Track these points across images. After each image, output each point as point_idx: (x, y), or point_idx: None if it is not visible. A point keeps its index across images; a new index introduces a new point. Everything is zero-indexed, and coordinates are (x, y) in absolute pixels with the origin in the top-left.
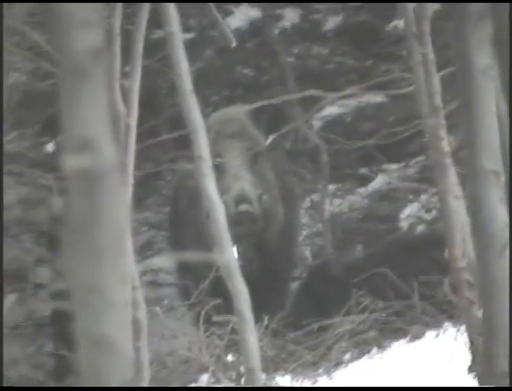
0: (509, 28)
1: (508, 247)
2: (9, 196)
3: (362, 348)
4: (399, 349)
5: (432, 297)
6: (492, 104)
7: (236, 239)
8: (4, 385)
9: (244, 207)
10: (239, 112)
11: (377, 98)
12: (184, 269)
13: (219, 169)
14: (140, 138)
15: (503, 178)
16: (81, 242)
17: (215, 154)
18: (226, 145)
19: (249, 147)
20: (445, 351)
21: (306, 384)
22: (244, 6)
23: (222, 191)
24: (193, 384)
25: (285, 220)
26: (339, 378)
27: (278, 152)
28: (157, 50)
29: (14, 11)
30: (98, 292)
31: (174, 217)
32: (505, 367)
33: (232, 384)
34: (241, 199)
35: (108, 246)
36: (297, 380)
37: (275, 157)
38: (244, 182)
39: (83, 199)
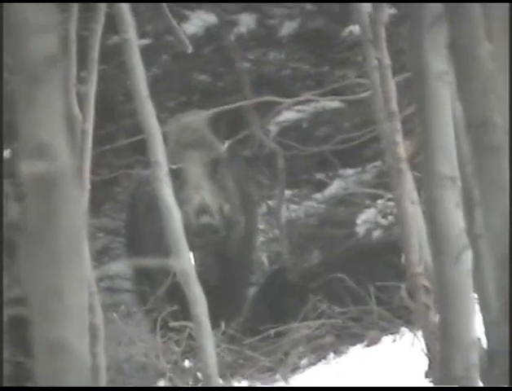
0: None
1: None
2: None
3: (319, 353)
4: (356, 354)
5: (389, 303)
6: (447, 109)
7: (196, 249)
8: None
9: (205, 219)
10: (197, 120)
11: (333, 103)
12: (141, 275)
13: (179, 179)
14: (96, 143)
15: (459, 183)
16: (37, 247)
17: (175, 163)
18: (185, 154)
19: (209, 156)
20: (402, 356)
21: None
22: (200, 12)
23: (183, 202)
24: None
25: (243, 226)
26: (296, 383)
27: (237, 160)
28: (113, 55)
29: None
30: (55, 297)
31: (131, 223)
32: (461, 372)
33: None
34: (202, 210)
35: (64, 251)
36: (254, 386)
37: (234, 165)
38: (205, 193)
39: (39, 204)
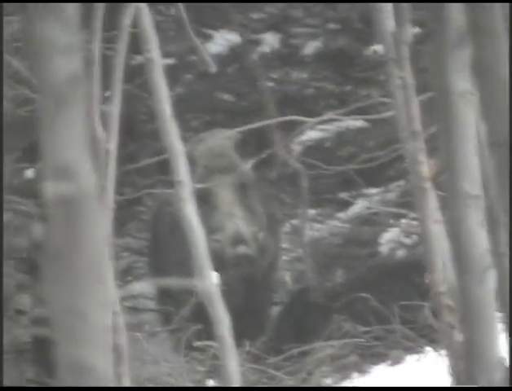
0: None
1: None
2: None
3: (343, 372)
4: (380, 373)
5: (413, 322)
6: (471, 128)
7: (231, 280)
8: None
9: (241, 249)
10: (223, 143)
11: (356, 122)
12: (165, 294)
13: (209, 205)
14: (120, 163)
15: (482, 202)
16: (61, 268)
17: (205, 190)
18: (214, 179)
19: (238, 180)
20: (426, 375)
21: None
22: (223, 31)
23: (215, 230)
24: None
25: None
26: None
27: (261, 180)
28: (137, 75)
29: None
30: (78, 318)
31: (154, 243)
32: None
33: None
34: (237, 240)
35: (87, 272)
36: None
37: (260, 187)
38: (239, 221)
39: (63, 225)
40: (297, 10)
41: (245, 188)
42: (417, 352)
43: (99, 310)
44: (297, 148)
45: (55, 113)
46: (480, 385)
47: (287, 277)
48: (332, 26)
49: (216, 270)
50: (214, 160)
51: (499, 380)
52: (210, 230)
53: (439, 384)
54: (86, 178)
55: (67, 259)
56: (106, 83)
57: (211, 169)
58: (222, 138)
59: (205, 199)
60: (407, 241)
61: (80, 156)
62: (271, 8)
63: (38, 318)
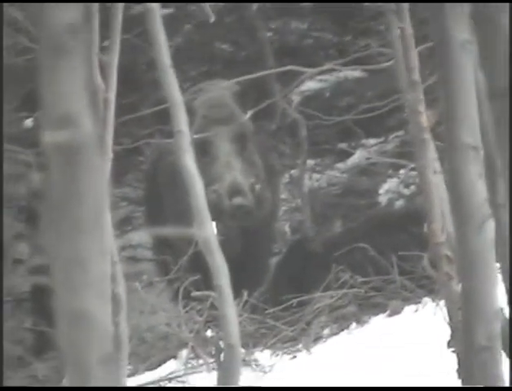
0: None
1: (487, 221)
2: None
3: (341, 323)
4: (378, 323)
5: (411, 272)
6: (470, 79)
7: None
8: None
9: (238, 200)
10: (224, 95)
11: (355, 73)
12: (163, 244)
13: (208, 156)
14: (119, 112)
15: (482, 153)
16: (60, 216)
17: (204, 140)
18: (213, 130)
19: (237, 132)
20: (424, 326)
21: (285, 359)
22: None
23: (213, 180)
24: (172, 360)
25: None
26: (318, 353)
27: (260, 131)
28: (136, 25)
29: None
30: (77, 267)
31: (152, 192)
32: (484, 342)
33: (212, 359)
34: (235, 191)
35: (87, 220)
36: (277, 355)
37: (259, 139)
38: (236, 172)
39: (62, 173)
40: None
41: (244, 139)
42: (416, 302)
43: (99, 259)
44: (296, 98)
45: (55, 62)
46: (479, 335)
47: (285, 227)
48: None
49: (213, 220)
50: (212, 111)
51: (497, 330)
52: (208, 180)
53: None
54: (85, 127)
55: (66, 208)
56: (105, 32)
57: (210, 119)
58: (221, 89)
59: (203, 150)
60: (406, 191)
61: (79, 105)
62: None
63: (37, 267)
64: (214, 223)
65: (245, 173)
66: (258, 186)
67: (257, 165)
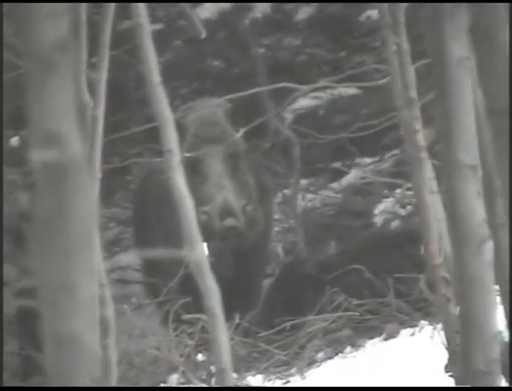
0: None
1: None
2: None
3: (336, 347)
4: (374, 347)
5: (408, 295)
6: (468, 96)
7: (219, 252)
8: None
9: (229, 221)
10: (215, 113)
11: (350, 90)
12: (152, 266)
13: (199, 176)
14: (107, 131)
15: (480, 172)
16: (48, 238)
17: (195, 159)
18: (205, 149)
19: (230, 152)
20: (421, 350)
21: (278, 383)
22: None
23: (204, 201)
24: (162, 385)
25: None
26: (312, 378)
27: (253, 150)
28: (125, 41)
29: None
30: (66, 289)
31: (141, 213)
32: (482, 367)
33: (203, 385)
34: (226, 212)
35: (75, 242)
36: (269, 380)
37: (252, 158)
38: (228, 192)
39: (50, 194)
40: None
41: (236, 158)
42: (412, 326)
43: (87, 282)
44: (289, 116)
45: (42, 79)
46: (477, 359)
47: (278, 248)
48: None
49: (204, 241)
50: (204, 129)
51: (496, 354)
52: (199, 201)
53: (433, 359)
54: (73, 145)
55: (54, 229)
56: (93, 49)
57: (201, 138)
58: (213, 107)
59: (194, 170)
60: (402, 212)
61: (67, 123)
62: None
63: (24, 289)
64: (204, 244)
65: (237, 193)
66: (249, 207)
67: (249, 185)
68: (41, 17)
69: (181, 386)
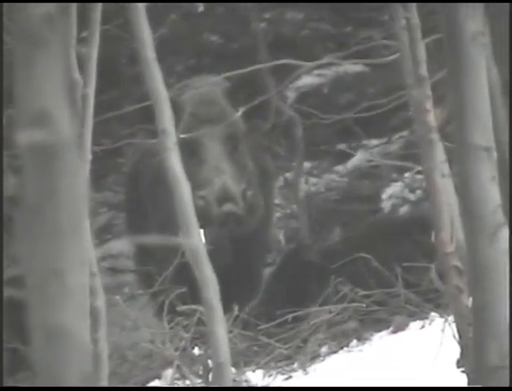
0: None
1: (501, 229)
2: None
3: (340, 340)
4: (381, 341)
5: (417, 285)
6: (482, 74)
7: (218, 239)
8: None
9: (228, 207)
10: (213, 91)
11: (356, 67)
12: (146, 254)
13: (196, 158)
14: (99, 110)
15: (495, 154)
16: (36, 223)
17: (191, 141)
18: (202, 129)
19: (229, 133)
20: (431, 343)
21: (280, 379)
22: None
23: (201, 185)
24: (156, 380)
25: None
26: (315, 373)
27: (252, 130)
28: (117, 14)
29: None
30: (54, 277)
31: (134, 197)
32: (496, 361)
33: (199, 380)
34: (225, 197)
35: (64, 227)
36: (270, 375)
37: (252, 139)
38: (226, 177)
39: (38, 176)
40: None
41: (235, 140)
42: (422, 318)
43: (77, 270)
44: (291, 95)
45: (30, 55)
46: (491, 353)
47: (280, 235)
48: None
49: (201, 228)
50: (201, 109)
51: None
52: (196, 185)
53: (445, 353)
54: (62, 126)
55: (43, 213)
56: (83, 23)
57: (198, 118)
58: (211, 85)
59: (190, 152)
60: (411, 197)
61: (56, 102)
62: None
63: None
64: (201, 231)
65: (236, 177)
66: (249, 192)
67: (249, 169)
68: None
69: (179, 386)
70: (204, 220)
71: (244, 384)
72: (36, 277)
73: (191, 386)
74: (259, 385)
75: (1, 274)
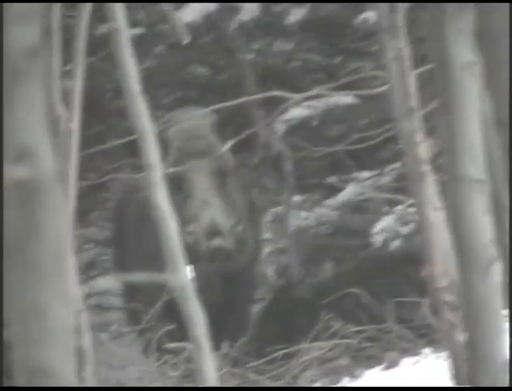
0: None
1: (494, 263)
2: None
3: (332, 377)
4: (374, 377)
5: (409, 321)
6: (474, 105)
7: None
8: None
9: (217, 242)
10: (201, 124)
11: (346, 98)
12: (133, 291)
13: (183, 193)
14: (83, 144)
15: (487, 187)
16: (18, 260)
17: (178, 175)
18: (190, 165)
19: (217, 167)
20: (425, 380)
21: None
22: None
23: (189, 220)
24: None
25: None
26: None
27: (243, 167)
28: (101, 47)
29: None
30: (37, 317)
31: (120, 233)
32: None
33: None
34: (213, 232)
35: (47, 264)
36: None
37: (240, 173)
38: (215, 211)
39: (21, 213)
40: None
41: (223, 174)
42: (415, 354)
43: (61, 308)
44: (280, 128)
45: (11, 88)
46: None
47: (270, 271)
48: None
49: (189, 264)
50: (188, 143)
51: (505, 384)
52: (183, 220)
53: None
54: (45, 161)
55: (25, 250)
56: (67, 55)
57: (186, 152)
58: (198, 118)
59: (177, 186)
60: (403, 230)
61: (39, 136)
62: None
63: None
64: (189, 267)
65: (225, 212)
66: (239, 227)
67: (238, 203)
68: (9, 21)
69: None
70: (192, 256)
71: None
72: (18, 315)
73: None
74: None
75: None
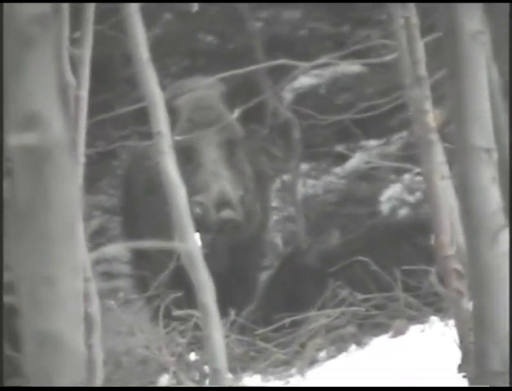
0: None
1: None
2: None
3: (339, 345)
4: (381, 345)
5: (417, 289)
6: (482, 73)
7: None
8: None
9: (226, 213)
10: (209, 94)
11: (354, 67)
12: (141, 258)
13: (192, 163)
14: (92, 112)
15: (495, 156)
16: (28, 228)
17: (187, 146)
18: (199, 135)
19: (226, 137)
20: (431, 348)
21: (277, 385)
22: None
23: (198, 190)
24: (152, 386)
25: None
26: (314, 378)
27: (251, 136)
28: (110, 14)
29: None
30: (46, 284)
31: (129, 201)
32: (498, 366)
33: (196, 385)
34: (223, 203)
35: (57, 232)
36: (268, 381)
37: (248, 142)
38: (224, 182)
39: (30, 180)
40: None
41: (232, 144)
42: (422, 322)
43: (69, 275)
44: (288, 96)
45: (21, 56)
46: (492, 359)
47: (277, 239)
48: None
49: (197, 232)
50: (198, 113)
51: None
52: (192, 191)
53: (445, 358)
54: (55, 128)
55: (34, 218)
56: (76, 23)
57: (194, 122)
58: (206, 88)
59: (186, 156)
60: (410, 199)
61: (48, 104)
62: None
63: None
64: (197, 235)
65: (234, 182)
66: (248, 198)
67: (246, 173)
68: None
69: (177, 386)
70: (201, 226)
71: None
72: (27, 283)
73: (191, 386)
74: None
75: (1, 278)
